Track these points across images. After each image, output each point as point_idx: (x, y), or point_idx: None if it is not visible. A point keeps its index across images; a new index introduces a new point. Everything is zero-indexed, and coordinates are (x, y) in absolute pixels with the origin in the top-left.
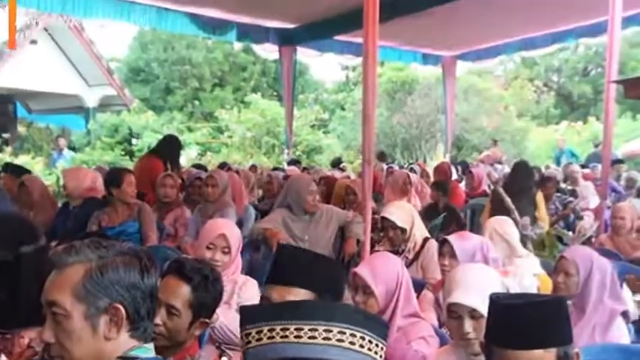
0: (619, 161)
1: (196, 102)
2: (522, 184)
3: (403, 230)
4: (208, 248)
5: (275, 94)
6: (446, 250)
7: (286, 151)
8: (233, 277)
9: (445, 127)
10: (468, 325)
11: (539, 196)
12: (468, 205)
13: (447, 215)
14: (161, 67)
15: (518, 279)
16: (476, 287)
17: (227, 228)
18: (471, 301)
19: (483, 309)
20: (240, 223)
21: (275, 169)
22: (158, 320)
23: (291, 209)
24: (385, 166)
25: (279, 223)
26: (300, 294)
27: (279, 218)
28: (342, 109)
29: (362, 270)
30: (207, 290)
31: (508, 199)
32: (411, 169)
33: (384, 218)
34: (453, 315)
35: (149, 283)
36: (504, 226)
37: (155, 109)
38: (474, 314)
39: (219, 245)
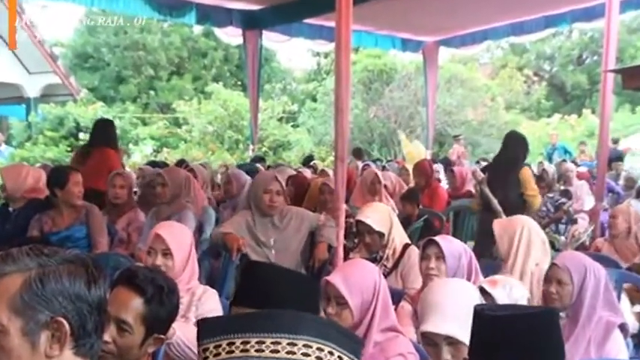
0: (618, 158)
1: (151, 92)
2: (511, 156)
3: (381, 235)
4: (149, 253)
5: (239, 83)
6: (432, 252)
7: (251, 146)
8: (190, 286)
9: (426, 120)
10: (446, 352)
11: (526, 172)
12: (451, 207)
13: (424, 223)
14: (112, 53)
15: (508, 290)
16: (452, 311)
17: (162, 228)
18: (448, 328)
19: (462, 334)
20: (200, 226)
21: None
22: (107, 337)
23: (253, 212)
24: (361, 164)
25: (242, 226)
26: None
27: (242, 221)
28: (313, 100)
29: (335, 278)
30: (162, 303)
31: (495, 201)
32: (383, 168)
33: (359, 222)
34: (428, 342)
35: (97, 295)
36: (537, 226)
37: (105, 100)
38: (451, 341)
39: (158, 248)
